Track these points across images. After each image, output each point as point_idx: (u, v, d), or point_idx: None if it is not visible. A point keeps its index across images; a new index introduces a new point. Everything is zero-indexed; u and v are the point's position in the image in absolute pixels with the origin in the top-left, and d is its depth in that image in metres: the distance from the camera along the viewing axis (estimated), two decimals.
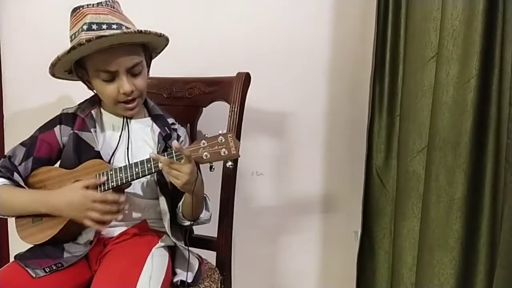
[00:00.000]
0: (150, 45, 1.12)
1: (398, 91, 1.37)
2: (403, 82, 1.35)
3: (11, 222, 1.11)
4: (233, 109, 1.21)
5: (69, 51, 1.00)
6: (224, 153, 0.95)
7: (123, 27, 1.03)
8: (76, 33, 1.03)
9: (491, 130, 1.20)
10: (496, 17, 1.16)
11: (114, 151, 1.09)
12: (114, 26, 1.02)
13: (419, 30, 1.25)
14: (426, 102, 1.25)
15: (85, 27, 1.01)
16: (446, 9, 1.18)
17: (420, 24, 1.25)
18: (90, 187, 1.00)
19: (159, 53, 1.18)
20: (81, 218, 1.00)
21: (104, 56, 1.03)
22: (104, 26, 1.01)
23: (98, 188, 1.02)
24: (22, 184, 1.08)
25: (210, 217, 1.16)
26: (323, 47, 1.50)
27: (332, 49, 1.51)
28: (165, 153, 0.99)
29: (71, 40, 1.05)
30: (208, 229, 1.23)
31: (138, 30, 1.02)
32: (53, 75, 1.09)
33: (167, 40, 1.11)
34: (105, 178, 1.01)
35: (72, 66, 1.08)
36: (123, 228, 1.10)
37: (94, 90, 1.12)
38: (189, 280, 1.07)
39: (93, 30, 1.00)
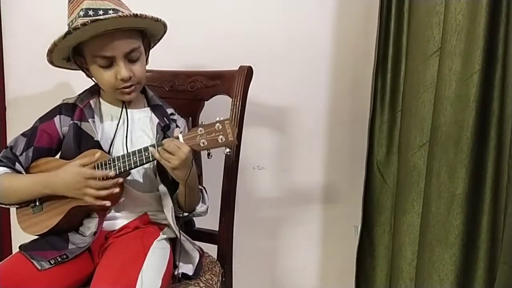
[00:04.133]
0: (147, 31, 1.11)
1: (400, 86, 1.37)
2: (405, 77, 1.34)
3: (14, 213, 1.12)
4: (235, 102, 1.21)
5: (64, 36, 1.00)
6: (222, 139, 0.95)
7: (120, 12, 1.02)
8: (74, 20, 1.03)
9: (493, 126, 1.19)
10: (499, 11, 1.15)
11: (112, 140, 1.09)
12: (111, 12, 1.01)
13: (422, 25, 1.24)
14: (428, 97, 1.25)
15: (81, 13, 1.01)
16: (450, 3, 1.17)
17: (423, 18, 1.24)
18: (85, 165, 1.00)
19: (158, 41, 1.17)
20: (80, 196, 1.00)
21: (101, 41, 1.02)
22: (101, 12, 1.01)
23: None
24: (24, 173, 1.08)
25: (207, 209, 1.16)
26: (326, 41, 1.50)
27: (334, 43, 1.50)
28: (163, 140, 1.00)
29: (69, 28, 1.05)
30: (209, 222, 1.23)
31: (133, 14, 1.02)
32: (52, 62, 1.09)
33: (165, 26, 1.10)
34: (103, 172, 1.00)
35: (70, 53, 1.08)
36: (125, 221, 1.10)
37: (93, 78, 1.12)
38: (190, 273, 1.08)
39: (89, 16, 1.00)
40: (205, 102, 1.31)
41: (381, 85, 1.39)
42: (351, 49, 1.51)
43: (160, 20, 1.07)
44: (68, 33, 0.99)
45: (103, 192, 0.99)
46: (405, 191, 1.32)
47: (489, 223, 1.22)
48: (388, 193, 1.42)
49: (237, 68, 1.25)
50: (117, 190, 1.01)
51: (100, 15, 1.00)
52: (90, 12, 1.00)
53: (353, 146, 1.54)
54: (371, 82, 1.40)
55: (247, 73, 1.23)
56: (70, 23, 1.04)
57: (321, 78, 1.52)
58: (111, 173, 1.00)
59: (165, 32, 1.14)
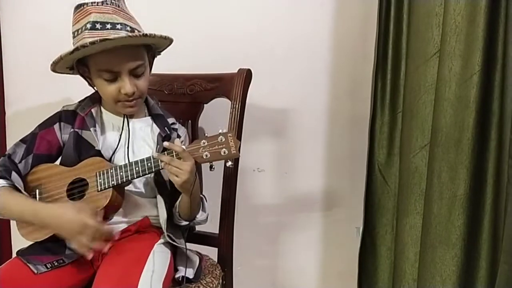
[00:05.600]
0: (153, 45, 1.12)
1: (401, 88, 1.36)
2: (405, 78, 1.34)
3: None
4: (235, 105, 1.21)
5: (72, 52, 1.00)
6: (224, 152, 0.96)
7: (128, 27, 1.02)
8: (79, 30, 1.02)
9: (494, 126, 1.19)
10: (498, 13, 1.15)
11: (115, 150, 1.09)
12: (119, 26, 1.01)
13: (422, 26, 1.24)
14: (428, 99, 1.25)
15: (88, 25, 1.00)
16: (449, 4, 1.17)
17: (422, 19, 1.24)
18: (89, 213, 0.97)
19: (162, 51, 1.18)
20: (70, 239, 0.98)
21: (107, 57, 1.02)
22: (108, 26, 1.00)
23: (98, 187, 1.02)
24: (21, 183, 1.07)
25: (207, 218, 1.16)
26: (325, 43, 1.50)
27: (333, 45, 1.50)
28: (166, 152, 1.00)
29: (74, 37, 1.04)
30: (209, 225, 1.23)
31: (143, 34, 1.02)
32: (54, 71, 1.09)
33: (171, 41, 1.11)
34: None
35: (74, 63, 1.08)
36: (125, 225, 1.10)
37: (95, 87, 1.12)
38: (190, 276, 1.08)
39: (97, 29, 1.00)
40: (205, 105, 1.31)
41: (381, 86, 1.39)
42: (351, 51, 1.51)
43: (168, 37, 1.07)
44: (76, 49, 0.99)
45: (95, 244, 0.95)
46: (406, 192, 1.32)
47: (491, 223, 1.22)
48: (390, 195, 1.42)
49: (236, 71, 1.25)
50: (107, 248, 0.98)
51: (108, 29, 1.00)
52: (98, 26, 1.00)
53: (353, 148, 1.54)
54: (371, 83, 1.40)
55: (246, 75, 1.23)
56: (76, 33, 1.03)
57: (320, 79, 1.52)
58: (114, 232, 0.99)
59: (169, 45, 1.14)
